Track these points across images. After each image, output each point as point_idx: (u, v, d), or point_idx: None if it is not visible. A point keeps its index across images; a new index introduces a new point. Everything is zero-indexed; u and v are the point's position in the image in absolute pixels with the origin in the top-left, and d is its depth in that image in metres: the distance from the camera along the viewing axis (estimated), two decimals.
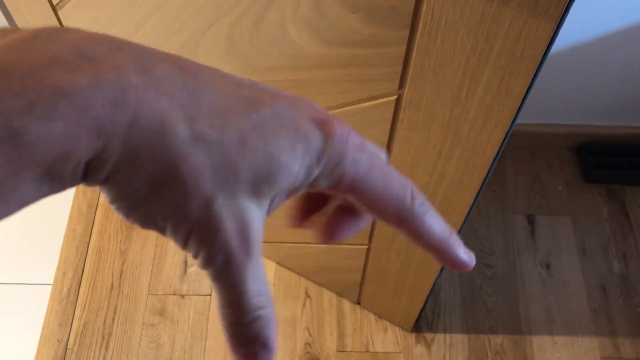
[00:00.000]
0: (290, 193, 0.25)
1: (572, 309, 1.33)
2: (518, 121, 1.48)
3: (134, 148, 0.20)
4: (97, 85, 0.19)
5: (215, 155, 0.22)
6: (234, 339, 0.24)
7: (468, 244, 1.18)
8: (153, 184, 0.21)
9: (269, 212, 0.25)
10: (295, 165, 0.23)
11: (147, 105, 0.20)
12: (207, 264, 0.22)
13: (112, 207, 0.22)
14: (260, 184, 0.23)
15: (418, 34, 0.59)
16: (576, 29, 1.23)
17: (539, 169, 1.52)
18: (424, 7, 0.56)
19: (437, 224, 0.27)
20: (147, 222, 0.22)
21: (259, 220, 0.23)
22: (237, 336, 0.24)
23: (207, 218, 0.22)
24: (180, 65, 0.22)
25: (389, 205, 0.26)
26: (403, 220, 0.26)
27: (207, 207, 0.22)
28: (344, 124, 0.25)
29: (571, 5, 0.49)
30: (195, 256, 0.23)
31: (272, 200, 0.24)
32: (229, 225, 0.22)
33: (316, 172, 0.24)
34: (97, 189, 1.23)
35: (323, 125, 0.24)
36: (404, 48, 0.62)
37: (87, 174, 0.20)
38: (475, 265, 1.36)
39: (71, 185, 0.21)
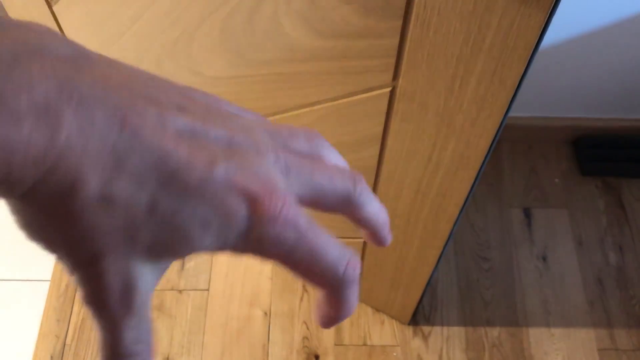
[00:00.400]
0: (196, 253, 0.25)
1: (569, 301, 1.34)
2: (514, 114, 1.49)
3: (40, 195, 0.20)
4: (25, 143, 0.19)
5: (117, 218, 0.21)
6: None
7: (465, 237, 1.18)
8: (51, 226, 0.21)
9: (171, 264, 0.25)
10: (203, 241, 0.23)
11: (66, 163, 0.20)
12: (86, 304, 0.23)
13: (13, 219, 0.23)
14: (158, 251, 0.23)
15: (411, 25, 0.59)
16: (572, 22, 1.23)
17: (535, 162, 1.52)
18: None
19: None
20: (42, 246, 0.23)
21: (150, 281, 0.23)
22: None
23: (91, 272, 0.22)
24: (121, 118, 0.21)
25: (323, 272, 0.25)
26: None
27: (95, 262, 0.22)
28: (281, 196, 0.23)
29: None
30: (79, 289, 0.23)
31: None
32: (111, 285, 0.22)
33: (230, 245, 0.23)
34: None
35: (254, 204, 0.23)
36: (397, 39, 0.62)
37: None
38: (472, 258, 1.36)
39: None
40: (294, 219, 0.23)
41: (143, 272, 0.23)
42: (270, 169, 0.24)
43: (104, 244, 0.22)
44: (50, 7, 0.90)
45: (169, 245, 0.22)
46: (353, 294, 0.27)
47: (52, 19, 0.92)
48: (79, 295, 0.24)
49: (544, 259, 1.39)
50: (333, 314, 0.27)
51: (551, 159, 1.52)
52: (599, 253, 1.40)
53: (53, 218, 0.21)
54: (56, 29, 0.94)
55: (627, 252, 1.40)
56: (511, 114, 1.47)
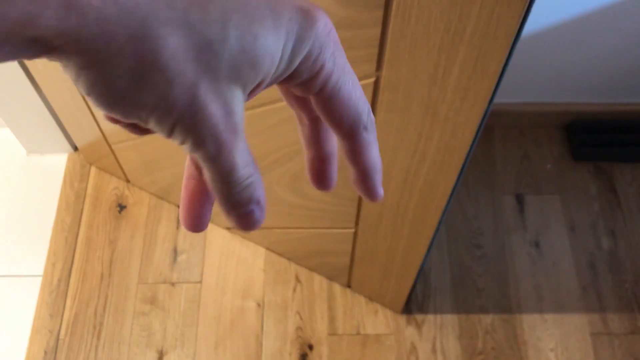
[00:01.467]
0: (271, 81, 0.25)
1: (562, 287, 1.34)
2: (506, 100, 1.49)
3: (110, 28, 0.19)
4: None
5: (197, 35, 0.21)
6: (230, 204, 0.25)
7: (457, 224, 1.18)
8: (134, 70, 0.20)
9: (250, 97, 0.25)
10: (279, 48, 0.23)
11: None
12: (196, 149, 0.23)
13: (89, 98, 0.21)
14: (243, 68, 0.22)
15: (392, 15, 0.59)
16: (561, 7, 1.22)
17: (527, 148, 1.52)
18: None
19: (375, 148, 0.28)
20: (129, 114, 0.22)
21: (241, 106, 0.23)
22: (232, 202, 0.25)
23: (192, 106, 0.22)
24: None
25: (349, 113, 0.26)
26: (354, 133, 0.27)
27: (192, 94, 0.21)
28: (327, 16, 0.25)
29: None
30: (182, 143, 0.23)
31: (254, 88, 0.24)
32: (215, 111, 0.22)
33: (298, 58, 0.24)
34: (85, 178, 1.20)
35: (307, 14, 0.24)
36: (379, 29, 0.62)
37: (54, 48, 0.19)
38: (465, 245, 1.36)
39: (30, 54, 0.19)
40: (339, 43, 0.25)
41: (235, 92, 0.23)
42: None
43: (196, 69, 0.21)
44: None
45: (252, 57, 0.22)
46: (375, 146, 0.28)
47: None
48: (184, 148, 0.23)
49: (537, 245, 1.39)
50: (362, 179, 0.29)
51: (543, 144, 1.52)
52: (592, 238, 1.40)
53: (137, 60, 0.20)
54: None
55: (620, 236, 1.40)
56: (502, 100, 1.46)
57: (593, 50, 1.34)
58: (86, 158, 1.42)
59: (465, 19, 0.55)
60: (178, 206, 1.38)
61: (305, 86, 0.26)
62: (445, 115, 0.68)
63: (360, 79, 0.69)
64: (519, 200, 1.45)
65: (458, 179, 0.80)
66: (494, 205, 1.44)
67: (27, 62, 1.09)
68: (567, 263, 1.37)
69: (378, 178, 0.29)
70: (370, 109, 0.27)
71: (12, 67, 1.16)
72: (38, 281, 1.28)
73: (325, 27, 0.24)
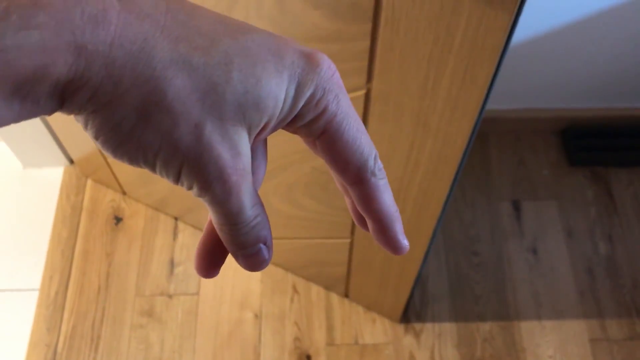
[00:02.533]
0: (276, 124, 0.25)
1: (560, 293, 1.34)
2: (501, 107, 1.49)
3: (117, 71, 0.20)
4: (77, 1, 0.19)
5: (200, 78, 0.21)
6: (236, 245, 0.26)
7: (454, 231, 1.18)
8: (139, 111, 0.21)
9: (256, 141, 0.25)
10: (282, 90, 0.23)
11: (129, 26, 0.20)
12: (204, 193, 0.23)
13: (97, 143, 0.22)
14: (247, 110, 0.23)
15: (381, 28, 0.59)
16: (555, 13, 1.23)
17: (523, 154, 1.52)
18: (384, 1, 0.56)
19: (388, 195, 0.28)
20: (135, 157, 0.22)
21: (248, 145, 0.23)
22: (239, 243, 0.25)
23: (198, 146, 0.22)
24: None
25: (354, 158, 0.26)
26: (361, 179, 0.26)
27: (197, 134, 0.22)
28: (330, 60, 0.25)
29: None
30: (189, 188, 0.23)
31: (259, 131, 0.24)
32: (221, 152, 0.22)
33: (302, 100, 0.24)
34: (81, 191, 1.20)
35: (309, 57, 0.24)
36: (368, 42, 0.62)
37: (66, 98, 0.20)
38: (462, 252, 1.36)
39: (47, 108, 0.20)
40: (343, 86, 0.25)
41: (240, 136, 0.23)
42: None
43: (201, 109, 0.22)
44: None
45: (256, 100, 0.23)
46: (387, 193, 0.27)
47: None
48: (192, 193, 0.23)
49: (534, 251, 1.39)
50: (379, 228, 0.28)
51: (539, 150, 1.52)
52: (589, 243, 1.40)
53: (142, 101, 0.21)
54: None
55: (617, 241, 1.40)
56: (498, 106, 1.47)
57: (587, 56, 1.34)
58: (82, 171, 1.42)
59: (453, 30, 0.55)
60: (175, 218, 1.38)
61: (309, 128, 0.25)
62: (437, 125, 0.68)
63: (350, 91, 0.70)
64: (516, 206, 1.45)
65: (452, 187, 0.80)
66: (491, 212, 1.44)
67: None
68: (565, 269, 1.37)
69: (398, 227, 0.28)
70: (377, 155, 0.27)
71: None
72: (35, 295, 1.28)
73: (328, 70, 0.24)
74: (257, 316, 1.27)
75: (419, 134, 0.71)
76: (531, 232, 1.41)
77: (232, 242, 0.25)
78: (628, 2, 1.19)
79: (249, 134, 0.23)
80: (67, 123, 1.19)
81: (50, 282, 1.30)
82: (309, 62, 0.24)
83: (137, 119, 0.21)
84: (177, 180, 0.23)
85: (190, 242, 1.36)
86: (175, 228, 1.38)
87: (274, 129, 0.25)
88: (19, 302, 1.28)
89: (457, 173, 0.77)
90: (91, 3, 0.19)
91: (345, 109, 0.25)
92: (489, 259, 1.38)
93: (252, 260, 0.26)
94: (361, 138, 0.26)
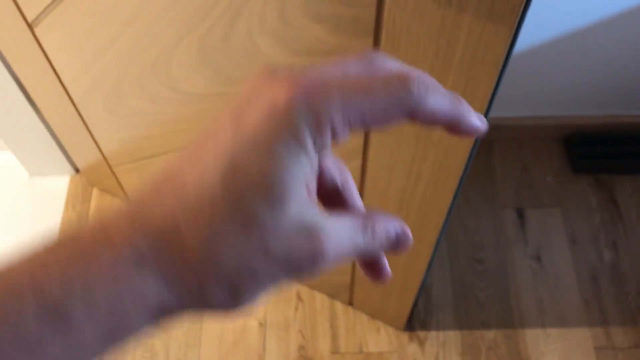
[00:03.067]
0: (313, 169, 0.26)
1: (564, 300, 1.34)
2: (505, 114, 1.49)
3: (208, 282, 0.24)
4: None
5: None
6: (379, 259, 0.30)
7: (458, 239, 1.17)
8: (227, 291, 0.25)
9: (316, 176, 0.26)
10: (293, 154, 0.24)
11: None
12: (316, 275, 0.26)
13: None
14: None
15: (382, 42, 0.59)
16: (559, 20, 1.23)
17: (527, 161, 1.52)
18: (385, 16, 0.56)
19: (441, 102, 0.26)
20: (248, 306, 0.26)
21: (315, 214, 0.25)
22: (378, 256, 0.29)
23: (285, 272, 0.25)
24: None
25: (391, 112, 0.25)
26: (410, 113, 0.26)
27: (277, 278, 0.25)
28: (292, 85, 0.24)
29: (527, 11, 0.50)
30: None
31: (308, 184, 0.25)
32: (299, 254, 0.24)
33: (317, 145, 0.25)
34: (87, 199, 1.21)
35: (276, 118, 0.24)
36: None
37: (172, 311, 0.25)
38: (466, 260, 1.36)
39: (156, 323, 0.25)
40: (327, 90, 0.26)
41: (305, 225, 0.25)
42: None
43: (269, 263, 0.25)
44: (31, 29, 0.90)
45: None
46: (435, 97, 0.26)
47: (34, 41, 0.93)
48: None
49: (538, 258, 1.39)
50: (453, 131, 0.28)
51: (543, 157, 1.52)
52: (593, 251, 1.40)
53: (226, 285, 0.25)
54: (38, 50, 0.94)
55: (621, 248, 1.40)
56: (501, 114, 1.47)
57: (591, 63, 1.34)
58: (88, 180, 1.43)
59: (454, 45, 0.56)
60: None
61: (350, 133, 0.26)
62: (438, 137, 0.69)
63: None
64: (520, 213, 1.45)
65: (454, 198, 0.81)
66: (495, 220, 1.44)
67: (27, 86, 1.11)
68: (569, 276, 1.37)
69: (465, 116, 0.28)
70: (413, 75, 0.25)
71: (12, 92, 1.17)
72: None
73: (295, 103, 0.24)
74: (262, 324, 1.28)
75: (421, 145, 0.71)
76: (535, 239, 1.41)
77: (373, 261, 0.29)
78: (631, 10, 1.19)
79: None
80: (72, 132, 1.20)
81: None
82: (278, 122, 0.24)
83: (229, 294, 0.24)
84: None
85: None
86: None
87: (316, 173, 0.26)
88: None
89: (459, 184, 0.77)
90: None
91: (358, 107, 0.25)
92: (493, 266, 1.38)
93: (399, 252, 0.29)
94: (383, 93, 0.25)
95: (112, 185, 1.36)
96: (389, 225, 0.28)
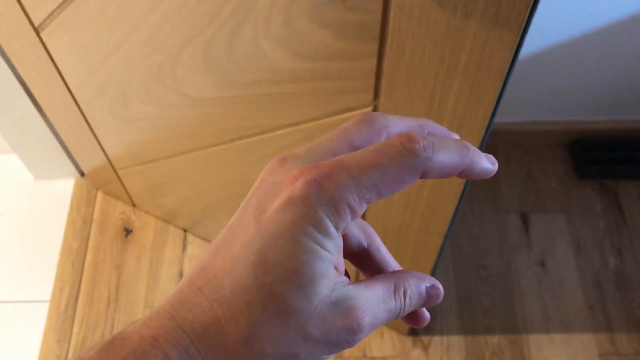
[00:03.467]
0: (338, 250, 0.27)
1: (568, 306, 1.33)
2: (509, 119, 1.49)
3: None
4: None
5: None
6: (413, 314, 0.31)
7: (462, 244, 1.17)
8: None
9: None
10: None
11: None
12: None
13: None
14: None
15: (387, 47, 0.59)
16: (563, 26, 1.23)
17: (531, 166, 1.52)
18: (391, 21, 0.56)
19: (450, 157, 0.28)
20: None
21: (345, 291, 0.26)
22: (411, 313, 0.30)
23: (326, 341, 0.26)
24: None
25: (403, 179, 0.26)
26: (421, 174, 0.27)
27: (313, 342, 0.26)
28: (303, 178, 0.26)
29: (532, 17, 0.50)
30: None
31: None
32: (340, 324, 0.25)
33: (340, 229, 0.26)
34: (92, 203, 1.22)
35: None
36: (374, 61, 0.62)
37: None
38: (471, 265, 1.36)
39: None
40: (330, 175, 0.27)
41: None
42: None
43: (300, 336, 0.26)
44: (38, 33, 0.91)
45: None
46: (441, 154, 0.28)
47: (40, 44, 0.93)
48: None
49: (543, 264, 1.39)
50: (464, 177, 0.30)
51: (547, 163, 1.52)
52: (598, 257, 1.39)
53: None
54: (44, 54, 0.95)
55: (626, 254, 1.39)
56: (506, 119, 1.47)
57: (596, 68, 1.34)
58: (93, 183, 1.43)
59: (459, 50, 0.56)
60: (184, 230, 1.39)
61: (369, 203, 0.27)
62: None
63: (358, 107, 0.70)
64: (524, 219, 1.44)
65: (458, 204, 0.80)
66: (499, 225, 1.44)
67: (33, 90, 1.11)
68: (574, 282, 1.36)
69: (475, 162, 0.30)
70: (412, 136, 0.26)
71: (18, 95, 1.18)
72: (45, 307, 1.29)
73: (309, 191, 0.25)
74: None
75: None
76: (539, 245, 1.41)
77: (415, 316, 0.31)
78: (636, 15, 1.19)
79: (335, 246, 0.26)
80: (78, 136, 1.20)
81: (61, 294, 1.31)
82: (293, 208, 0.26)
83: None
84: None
85: (199, 254, 1.36)
86: (185, 240, 1.38)
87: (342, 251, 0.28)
88: (29, 314, 1.29)
89: (464, 189, 0.77)
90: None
91: (362, 180, 0.26)
92: (497, 271, 1.37)
93: (429, 305, 0.30)
94: (389, 165, 0.26)
95: (116, 188, 1.37)
96: (421, 286, 0.29)
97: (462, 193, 0.77)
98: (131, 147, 1.13)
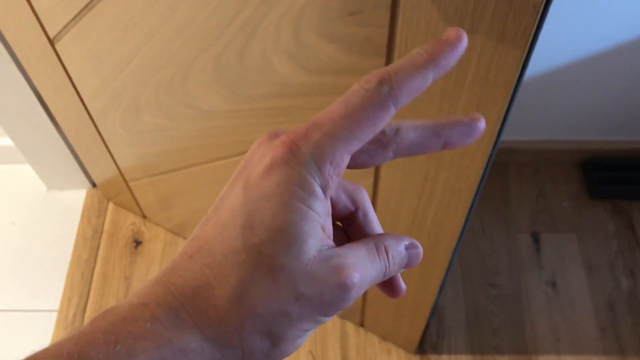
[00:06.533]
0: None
1: (579, 328, 1.31)
2: (521, 138, 1.48)
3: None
4: None
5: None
6: (396, 278, 0.32)
7: (472, 263, 1.17)
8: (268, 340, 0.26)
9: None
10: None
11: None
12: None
13: None
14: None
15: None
16: (576, 46, 1.23)
17: (543, 185, 1.51)
18: (397, 37, 0.57)
19: (410, 76, 0.28)
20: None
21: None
22: (395, 276, 0.31)
23: (318, 310, 0.26)
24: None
25: (376, 116, 0.27)
26: (394, 105, 0.28)
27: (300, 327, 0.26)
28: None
29: (539, 34, 0.50)
30: None
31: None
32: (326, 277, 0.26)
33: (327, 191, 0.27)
34: (102, 213, 1.23)
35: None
36: None
37: None
38: (480, 284, 1.35)
39: None
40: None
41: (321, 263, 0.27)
42: None
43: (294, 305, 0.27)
44: (52, 45, 0.92)
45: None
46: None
47: (54, 56, 0.95)
48: None
49: (553, 284, 1.37)
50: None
51: (559, 182, 1.51)
52: (610, 278, 1.38)
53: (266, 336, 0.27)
54: (59, 66, 0.96)
55: (639, 276, 1.37)
56: (518, 137, 1.46)
57: (609, 88, 1.33)
58: (104, 194, 1.45)
59: (465, 66, 0.56)
60: None
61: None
62: (450, 158, 0.69)
63: None
64: (535, 238, 1.43)
65: (466, 220, 0.80)
66: (510, 244, 1.43)
67: (47, 101, 1.13)
68: (585, 303, 1.34)
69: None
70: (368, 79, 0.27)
71: (33, 106, 1.19)
72: (54, 316, 1.30)
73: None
74: None
75: (432, 166, 0.71)
76: (550, 265, 1.40)
77: (393, 281, 0.31)
78: None
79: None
80: (90, 147, 1.21)
81: (69, 304, 1.31)
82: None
83: (270, 342, 0.26)
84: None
85: None
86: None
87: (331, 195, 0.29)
88: (38, 323, 1.29)
89: (471, 207, 0.76)
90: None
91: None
92: (507, 291, 1.36)
93: (412, 264, 0.31)
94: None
95: (127, 199, 1.38)
96: (400, 244, 0.30)
97: (470, 209, 0.77)
98: (142, 159, 1.14)
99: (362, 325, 1.29)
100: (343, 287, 0.25)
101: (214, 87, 0.81)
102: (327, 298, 0.25)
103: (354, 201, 0.32)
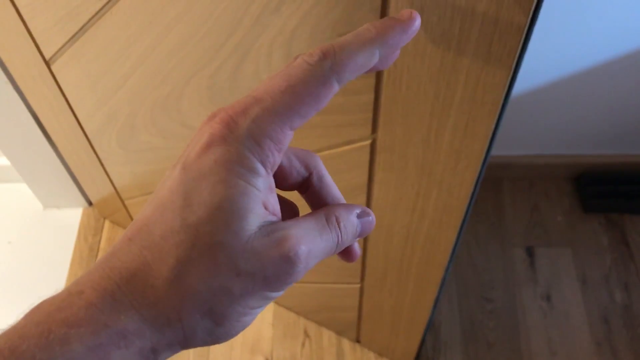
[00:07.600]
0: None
1: (575, 342, 1.32)
2: (515, 153, 1.49)
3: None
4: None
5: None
6: (351, 247, 0.32)
7: (467, 277, 1.18)
8: (209, 319, 0.26)
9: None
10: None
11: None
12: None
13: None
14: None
15: (384, 82, 0.61)
16: (568, 61, 1.24)
17: (537, 200, 1.52)
18: None
19: (355, 51, 0.28)
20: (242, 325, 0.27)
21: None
22: (351, 245, 0.31)
23: (259, 285, 0.26)
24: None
25: (317, 91, 0.28)
26: (338, 79, 0.29)
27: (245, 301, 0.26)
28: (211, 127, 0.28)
29: (524, 54, 0.51)
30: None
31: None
32: (268, 260, 0.25)
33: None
34: (99, 232, 1.23)
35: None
36: (372, 96, 0.64)
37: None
38: (475, 298, 1.35)
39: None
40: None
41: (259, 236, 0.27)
42: None
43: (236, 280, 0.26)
44: (48, 66, 0.93)
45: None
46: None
47: (50, 77, 0.96)
48: None
49: (548, 298, 1.38)
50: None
51: (553, 196, 1.52)
52: (604, 291, 1.38)
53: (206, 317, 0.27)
54: (54, 86, 0.97)
55: (633, 289, 1.38)
56: (511, 152, 1.48)
57: (602, 102, 1.35)
58: (100, 212, 1.45)
59: (453, 86, 0.57)
60: None
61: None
62: (441, 175, 0.70)
63: (357, 141, 0.72)
64: (529, 252, 1.44)
65: (458, 236, 0.81)
66: (504, 258, 1.43)
67: (43, 121, 1.13)
68: (580, 317, 1.35)
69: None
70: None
71: (29, 126, 1.20)
72: None
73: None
74: None
75: (424, 183, 0.72)
76: (545, 279, 1.40)
77: (347, 250, 0.31)
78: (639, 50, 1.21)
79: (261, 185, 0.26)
80: (86, 166, 1.22)
81: None
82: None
83: (212, 320, 0.25)
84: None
85: None
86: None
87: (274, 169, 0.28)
88: None
89: (462, 222, 0.77)
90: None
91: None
92: (502, 305, 1.37)
93: (365, 232, 0.31)
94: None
95: (123, 218, 1.38)
96: (351, 213, 0.30)
97: (462, 225, 0.78)
98: (138, 178, 1.14)
99: (358, 341, 1.29)
100: (287, 260, 0.25)
101: (208, 107, 0.82)
102: (270, 272, 0.25)
103: (306, 166, 0.31)
